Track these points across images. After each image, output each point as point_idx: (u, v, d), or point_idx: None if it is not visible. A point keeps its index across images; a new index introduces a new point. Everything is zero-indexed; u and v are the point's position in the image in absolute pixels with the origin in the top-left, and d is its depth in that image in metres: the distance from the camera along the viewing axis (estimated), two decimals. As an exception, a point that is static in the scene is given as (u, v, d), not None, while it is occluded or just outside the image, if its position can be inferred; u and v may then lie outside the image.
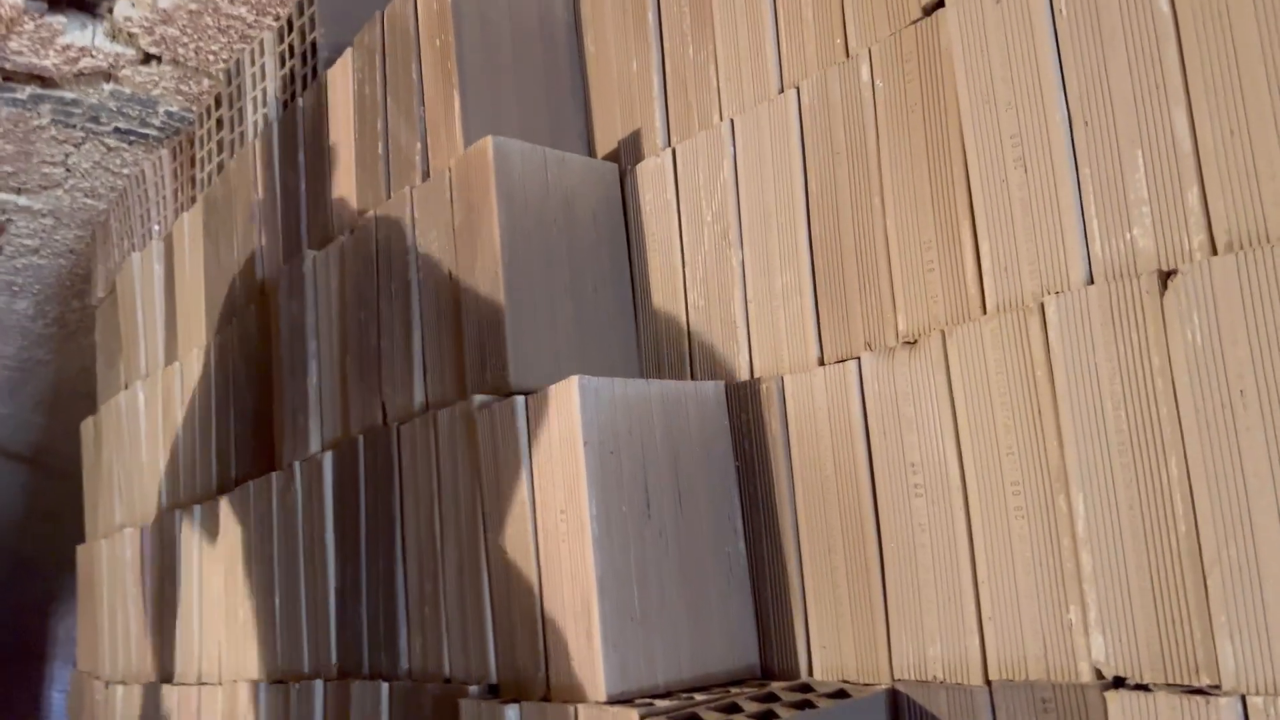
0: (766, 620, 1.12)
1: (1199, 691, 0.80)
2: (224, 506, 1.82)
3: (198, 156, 2.22)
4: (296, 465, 1.60)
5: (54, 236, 3.11)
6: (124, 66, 2.24)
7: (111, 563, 2.37)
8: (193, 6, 2.10)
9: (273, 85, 1.94)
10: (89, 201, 2.87)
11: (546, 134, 1.44)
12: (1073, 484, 0.88)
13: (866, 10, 1.11)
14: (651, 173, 1.33)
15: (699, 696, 1.01)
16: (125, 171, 2.70)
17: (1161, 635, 0.82)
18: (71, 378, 4.14)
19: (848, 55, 1.12)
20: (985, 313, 0.97)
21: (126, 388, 2.41)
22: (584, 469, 1.04)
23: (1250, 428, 0.78)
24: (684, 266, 1.28)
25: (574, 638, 1.04)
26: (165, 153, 2.50)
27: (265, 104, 1.95)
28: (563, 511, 1.06)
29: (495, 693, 1.16)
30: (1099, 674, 0.86)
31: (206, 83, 2.30)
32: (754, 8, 1.22)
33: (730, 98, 1.25)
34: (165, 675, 2.05)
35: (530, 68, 1.45)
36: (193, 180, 2.27)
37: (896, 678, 1.00)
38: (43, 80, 2.30)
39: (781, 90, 1.19)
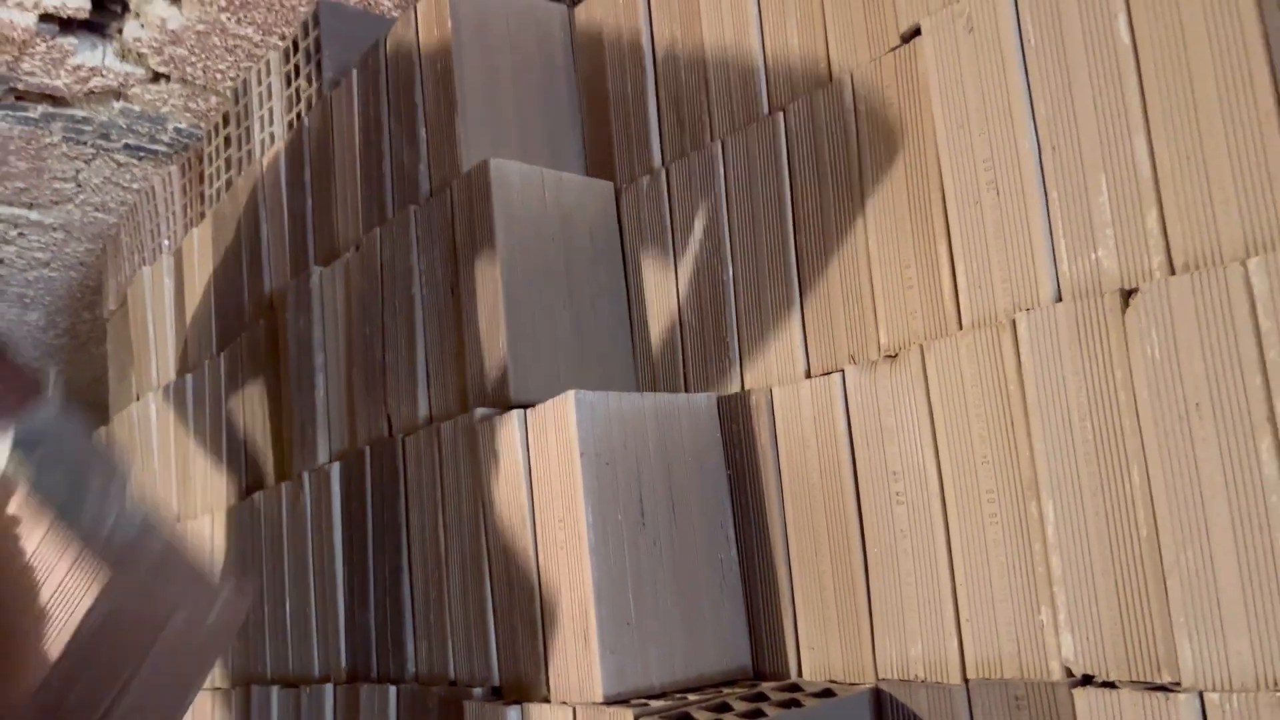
0: (758, 623, 1.17)
1: (1161, 688, 0.84)
2: (235, 516, 1.88)
3: (206, 173, 2.28)
4: (305, 475, 1.65)
5: (65, 250, 3.17)
6: (133, 85, 2.30)
7: (125, 570, 2.43)
8: (200, 27, 2.15)
9: (279, 104, 1.99)
10: (99, 216, 2.93)
11: (545, 153, 1.49)
12: (1043, 491, 0.92)
13: (849, 37, 1.16)
14: (646, 191, 1.38)
15: (692, 697, 1.06)
16: (135, 187, 2.76)
17: (1126, 635, 0.87)
18: (83, 388, 4.20)
19: (831, 80, 1.17)
20: (961, 328, 1.02)
21: (138, 399, 2.46)
22: (581, 480, 1.09)
23: (1205, 439, 0.82)
24: (677, 282, 1.33)
25: (572, 642, 1.09)
26: (174, 169, 2.55)
27: (272, 122, 2.00)
28: (561, 521, 1.11)
29: (498, 695, 1.21)
30: (1069, 672, 0.90)
31: (214, 100, 2.36)
32: (743, 33, 1.27)
33: (721, 119, 1.30)
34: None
35: (529, 89, 1.50)
36: (201, 196, 2.32)
37: (880, 677, 1.04)
38: (54, 99, 2.36)
39: (769, 112, 1.24)
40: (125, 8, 2.14)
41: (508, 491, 1.19)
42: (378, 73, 1.61)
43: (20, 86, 2.29)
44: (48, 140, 2.52)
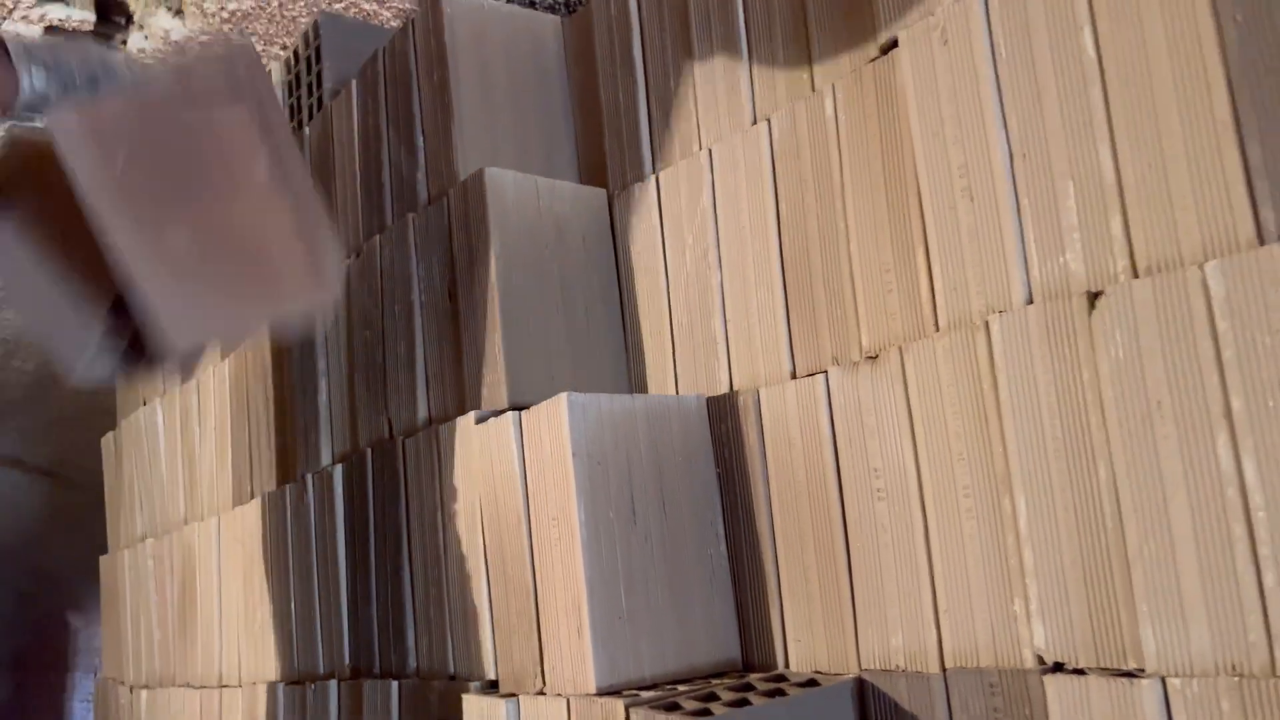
0: (746, 616, 1.21)
1: (1127, 674, 0.88)
2: (240, 517, 1.92)
3: (210, 181, 2.32)
4: (309, 477, 1.69)
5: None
6: (138, 96, 2.34)
7: (134, 572, 2.47)
8: (203, 38, 2.19)
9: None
10: (105, 223, 2.97)
11: (540, 161, 1.53)
12: (1016, 487, 0.96)
13: (830, 49, 1.19)
14: (637, 198, 1.42)
15: (682, 687, 1.10)
16: (140, 194, 2.80)
17: (1094, 624, 0.91)
18: (89, 393, 4.25)
19: (814, 90, 1.21)
20: (938, 330, 1.06)
21: (145, 405, 2.51)
22: (573, 479, 1.13)
23: (1167, 436, 0.86)
24: (668, 286, 1.37)
25: (566, 635, 1.13)
26: (178, 177, 2.60)
27: (274, 132, 2.04)
28: (554, 519, 1.15)
29: (495, 688, 1.25)
30: (1041, 660, 0.94)
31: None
32: (729, 45, 1.31)
33: (709, 128, 1.34)
34: (187, 679, 2.15)
35: (524, 98, 1.54)
36: (206, 204, 2.36)
37: (863, 667, 1.08)
38: (61, 110, 2.40)
39: (755, 122, 1.28)
40: (129, 20, 2.19)
41: (503, 491, 1.23)
42: (376, 83, 1.65)
43: (27, 98, 2.33)
44: (54, 150, 2.56)
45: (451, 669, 1.34)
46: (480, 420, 1.29)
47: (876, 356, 1.09)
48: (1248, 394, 0.82)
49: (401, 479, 1.47)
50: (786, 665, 1.17)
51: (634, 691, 1.09)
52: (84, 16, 2.11)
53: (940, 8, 1.06)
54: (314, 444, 1.72)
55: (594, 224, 1.45)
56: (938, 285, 1.06)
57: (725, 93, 1.32)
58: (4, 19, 2.13)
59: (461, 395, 1.38)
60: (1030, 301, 0.98)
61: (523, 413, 1.22)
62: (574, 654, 1.12)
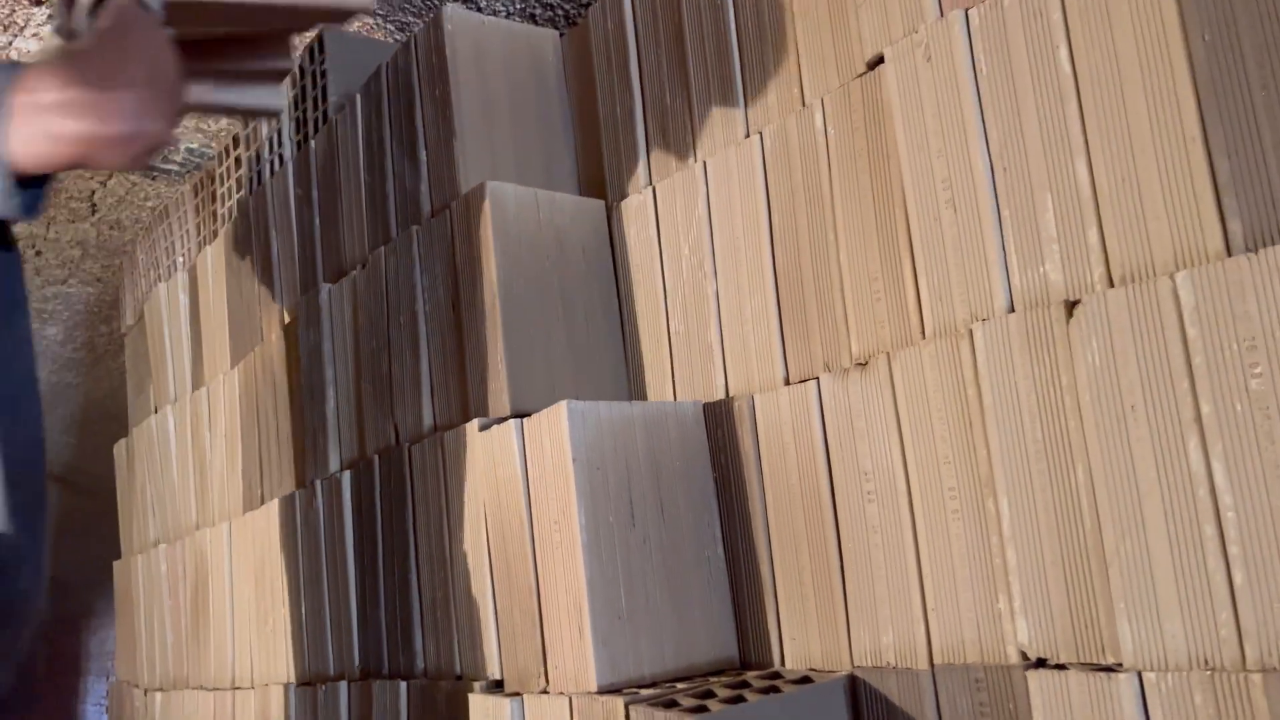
0: (743, 616, 1.24)
1: (1106, 669, 0.91)
2: (251, 522, 1.96)
3: (218, 192, 2.36)
4: (318, 483, 1.73)
5: (81, 266, 3.26)
6: (147, 110, 2.38)
7: (147, 577, 2.52)
8: None
9: (287, 126, 2.07)
10: (114, 233, 3.02)
11: (539, 173, 1.56)
12: (999, 488, 1.00)
13: (819, 64, 1.23)
14: (635, 209, 1.46)
15: (680, 685, 1.13)
16: (149, 205, 2.85)
17: (1074, 621, 0.94)
18: (100, 400, 4.30)
19: (804, 105, 1.24)
20: (924, 337, 1.09)
21: (156, 412, 2.55)
22: (574, 485, 1.17)
23: (1141, 439, 0.89)
24: (665, 295, 1.40)
25: (568, 636, 1.17)
26: (187, 188, 2.64)
27: (280, 144, 2.09)
28: (556, 523, 1.19)
29: (500, 687, 1.29)
30: (1024, 656, 0.98)
31: (225, 120, 2.44)
32: (723, 60, 1.35)
33: (703, 141, 1.37)
34: (200, 681, 2.19)
35: (524, 113, 1.58)
36: (214, 214, 2.41)
37: (856, 664, 1.12)
38: (71, 124, 2.44)
39: (747, 135, 1.31)
40: (138, 36, 2.22)
41: (506, 496, 1.27)
42: (380, 98, 1.69)
43: (38, 113, 2.38)
44: (65, 163, 2.61)
45: (458, 669, 1.38)
46: (484, 427, 1.33)
47: (866, 363, 1.13)
48: (1216, 399, 0.85)
49: (408, 485, 1.51)
50: (782, 663, 1.20)
51: (634, 690, 1.13)
52: (93, 33, 2.16)
53: (923, 26, 1.10)
54: (322, 451, 1.76)
55: (593, 235, 1.49)
56: (923, 294, 1.09)
57: (719, 107, 1.35)
58: (15, 36, 2.17)
59: (465, 403, 1.42)
60: (1011, 310, 1.02)
61: (524, 420, 1.26)
62: (576, 654, 1.16)
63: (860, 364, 1.14)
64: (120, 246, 3.08)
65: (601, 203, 1.51)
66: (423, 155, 1.58)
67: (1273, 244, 0.84)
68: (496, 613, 1.30)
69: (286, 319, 1.94)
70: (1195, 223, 0.89)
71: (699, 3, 1.38)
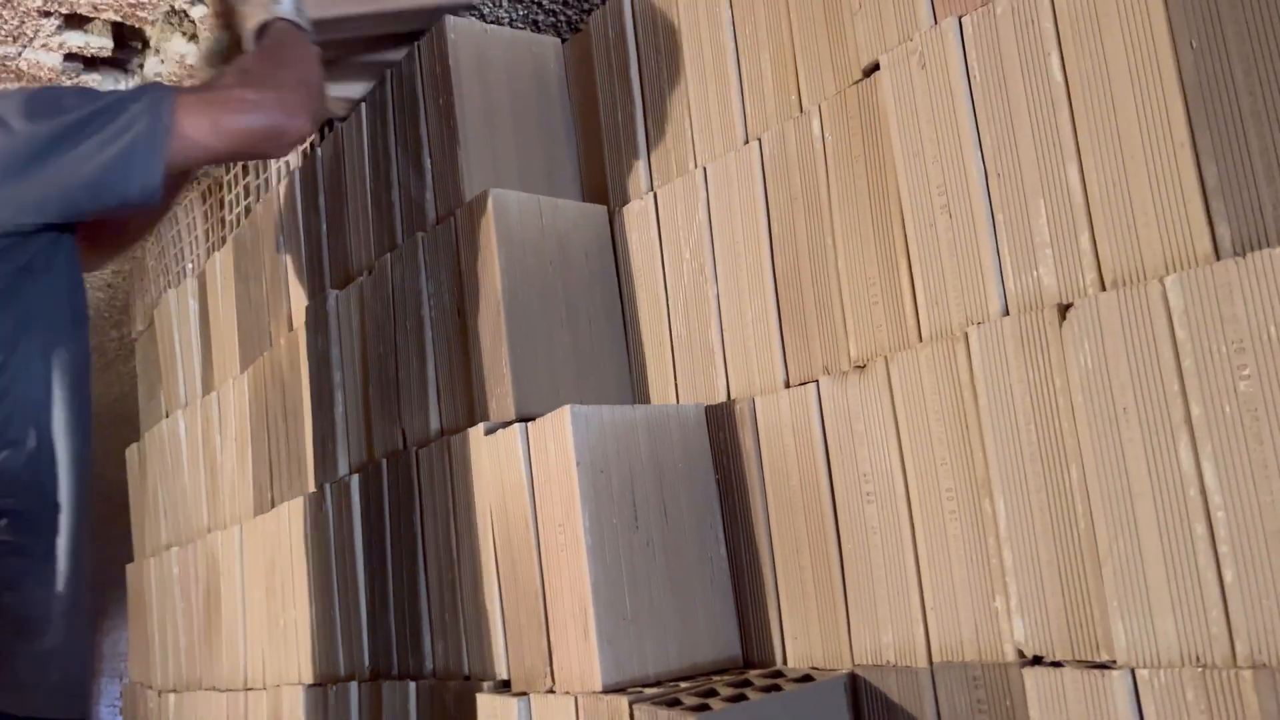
0: (746, 615, 1.26)
1: (1100, 666, 0.93)
2: (261, 525, 1.99)
3: (226, 200, 2.39)
4: (327, 487, 1.76)
5: (91, 272, 3.29)
6: (155, 118, 2.41)
7: (160, 580, 2.55)
8: (217, 62, 2.26)
9: (293, 134, 2.10)
10: (125, 239, 3.04)
11: (543, 179, 1.58)
12: (995, 489, 1.01)
13: (816, 71, 1.25)
14: (637, 215, 1.47)
15: (684, 684, 1.15)
16: (158, 211, 2.87)
17: (1069, 619, 0.96)
18: (111, 404, 4.34)
19: (801, 111, 1.26)
20: (921, 340, 1.11)
21: (167, 416, 2.58)
22: (578, 487, 1.19)
23: (1132, 439, 0.91)
24: (667, 299, 1.42)
25: (573, 636, 1.19)
26: (196, 195, 2.67)
27: (287, 151, 2.11)
28: (561, 525, 1.21)
29: (507, 687, 1.31)
30: (1020, 654, 0.99)
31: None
32: (721, 67, 1.36)
33: (703, 147, 1.39)
34: (213, 682, 2.22)
35: (527, 119, 1.60)
36: (222, 222, 2.44)
37: (856, 662, 1.14)
38: (81, 133, 2.47)
39: (746, 141, 1.33)
40: (145, 44, 2.25)
41: (512, 499, 1.29)
42: (385, 106, 1.71)
43: (48, 122, 2.40)
44: (75, 171, 2.64)
45: (466, 670, 1.40)
46: (489, 431, 1.35)
47: (864, 366, 1.15)
48: (1205, 400, 0.87)
49: (415, 488, 1.53)
50: (784, 662, 1.22)
51: (638, 689, 1.15)
52: (102, 43, 2.18)
53: (918, 33, 1.12)
54: (331, 454, 1.78)
55: (595, 240, 1.50)
56: (920, 298, 1.11)
57: (718, 114, 1.37)
58: (25, 47, 2.20)
59: (471, 407, 1.44)
60: (1006, 313, 1.03)
61: (529, 424, 1.28)
62: (581, 654, 1.18)
63: (859, 367, 1.15)
64: (130, 254, 3.11)
65: (604, 208, 1.52)
66: (427, 163, 1.60)
67: (1260, 248, 0.86)
68: (503, 614, 1.32)
69: (295, 324, 1.96)
70: (1184, 227, 0.91)
71: (698, 11, 1.39)
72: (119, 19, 2.14)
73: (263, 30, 1.39)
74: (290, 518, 1.87)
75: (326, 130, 1.95)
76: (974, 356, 1.03)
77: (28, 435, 1.19)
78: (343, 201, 1.83)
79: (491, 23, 1.72)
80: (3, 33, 2.15)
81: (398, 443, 1.61)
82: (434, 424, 1.53)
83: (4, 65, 2.20)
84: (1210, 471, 0.87)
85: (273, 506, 1.98)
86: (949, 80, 1.08)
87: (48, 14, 2.09)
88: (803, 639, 1.20)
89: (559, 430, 1.22)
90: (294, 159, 2.08)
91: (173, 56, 2.26)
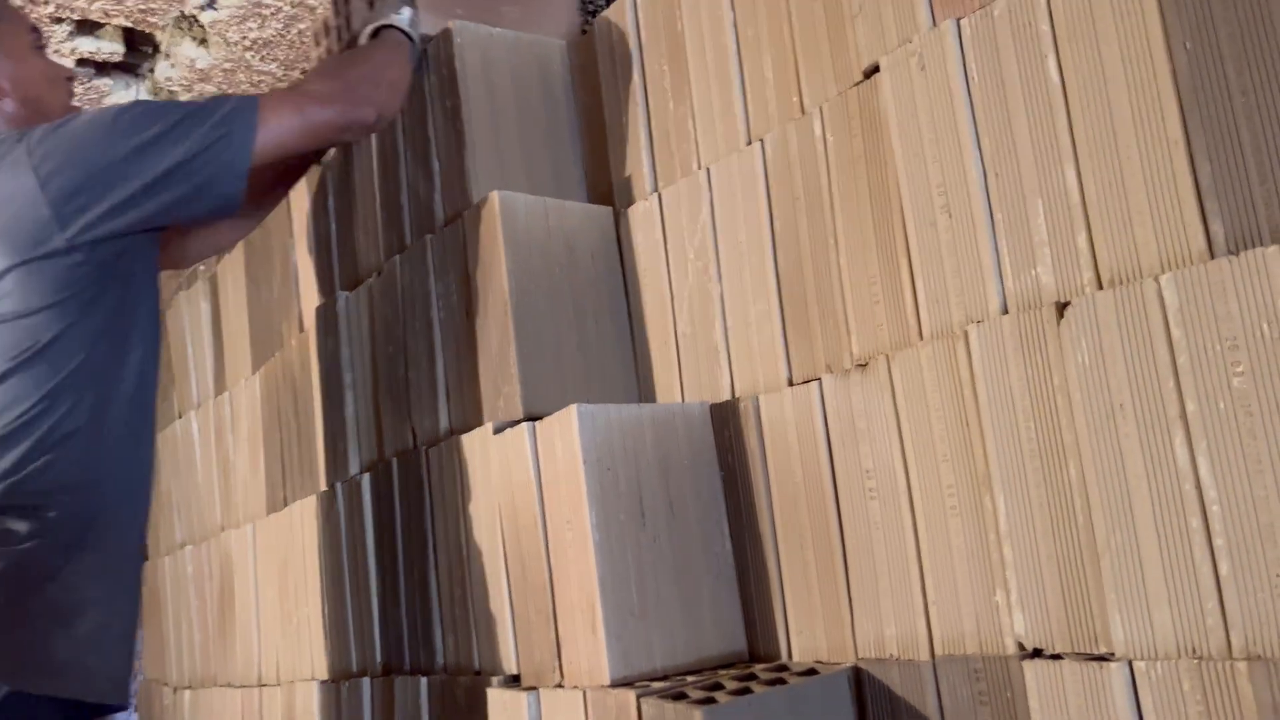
0: (751, 610, 1.28)
1: (1099, 658, 0.95)
2: (274, 524, 2.01)
3: (237, 202, 2.41)
4: (338, 486, 1.78)
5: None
6: (166, 122, 2.43)
7: (174, 578, 2.58)
8: (227, 65, 2.29)
9: (303, 137, 2.12)
10: (136, 241, 3.07)
11: (549, 181, 1.60)
12: (995, 485, 1.03)
13: (817, 73, 1.26)
14: (641, 215, 1.49)
15: (690, 678, 1.17)
16: (169, 214, 2.90)
17: (1068, 612, 0.97)
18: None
19: (803, 112, 1.28)
20: (922, 339, 1.12)
21: (180, 416, 2.61)
22: (585, 485, 1.21)
23: (1129, 435, 0.93)
24: (672, 299, 1.44)
25: (582, 631, 1.21)
26: (206, 197, 2.69)
27: (296, 154, 2.13)
28: (568, 522, 1.23)
29: (517, 682, 1.33)
30: (1021, 647, 1.01)
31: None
32: (723, 69, 1.38)
33: (706, 149, 1.41)
34: (228, 679, 2.25)
35: (532, 121, 1.62)
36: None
37: (860, 656, 1.15)
38: (93, 137, 2.50)
39: (749, 142, 1.35)
40: (156, 49, 2.28)
41: (520, 497, 1.31)
42: (393, 109, 1.73)
43: (61, 127, 2.43)
44: (87, 174, 2.66)
45: (476, 665, 1.42)
46: (498, 430, 1.37)
47: (866, 364, 1.16)
48: (1200, 397, 0.88)
49: (425, 486, 1.55)
50: (790, 656, 1.24)
51: (646, 683, 1.17)
52: (113, 48, 2.21)
53: (917, 36, 1.13)
54: (342, 454, 1.80)
55: (601, 241, 1.52)
56: (921, 297, 1.12)
57: (721, 115, 1.39)
58: (37, 52, 2.23)
59: (480, 406, 1.46)
60: (1005, 312, 1.05)
61: (537, 423, 1.30)
62: (589, 649, 1.20)
63: (861, 365, 1.17)
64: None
65: (609, 209, 1.54)
66: (435, 165, 1.62)
67: (1253, 246, 0.87)
68: (513, 610, 1.34)
69: (305, 326, 1.98)
70: (1179, 226, 0.92)
71: (700, 14, 1.41)
72: (130, 24, 2.16)
73: (376, 34, 1.54)
74: (302, 516, 1.89)
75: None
76: (974, 354, 1.05)
77: (89, 431, 1.24)
78: (352, 204, 1.85)
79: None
80: (16, 39, 2.17)
81: (408, 442, 1.63)
82: (443, 423, 1.55)
83: (17, 71, 2.22)
84: (1205, 466, 0.88)
85: (285, 505, 2.00)
86: (948, 82, 1.10)
87: (59, 20, 2.12)
88: (807, 633, 1.21)
89: (566, 429, 1.24)
90: (303, 161, 2.10)
91: (183, 61, 2.28)
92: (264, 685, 2.05)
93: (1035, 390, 1.00)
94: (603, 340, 1.49)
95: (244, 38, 2.19)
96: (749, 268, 1.33)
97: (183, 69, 2.31)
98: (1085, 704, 0.94)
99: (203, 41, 2.23)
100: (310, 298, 1.99)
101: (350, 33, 1.64)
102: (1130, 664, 0.92)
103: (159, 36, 2.22)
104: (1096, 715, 0.93)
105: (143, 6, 2.09)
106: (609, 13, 1.57)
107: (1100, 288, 0.97)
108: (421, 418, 1.60)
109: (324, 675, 1.82)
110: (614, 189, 1.56)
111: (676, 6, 1.45)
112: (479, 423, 1.45)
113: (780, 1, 1.30)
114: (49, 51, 2.20)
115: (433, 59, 1.62)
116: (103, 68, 2.30)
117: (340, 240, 1.90)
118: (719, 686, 1.11)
